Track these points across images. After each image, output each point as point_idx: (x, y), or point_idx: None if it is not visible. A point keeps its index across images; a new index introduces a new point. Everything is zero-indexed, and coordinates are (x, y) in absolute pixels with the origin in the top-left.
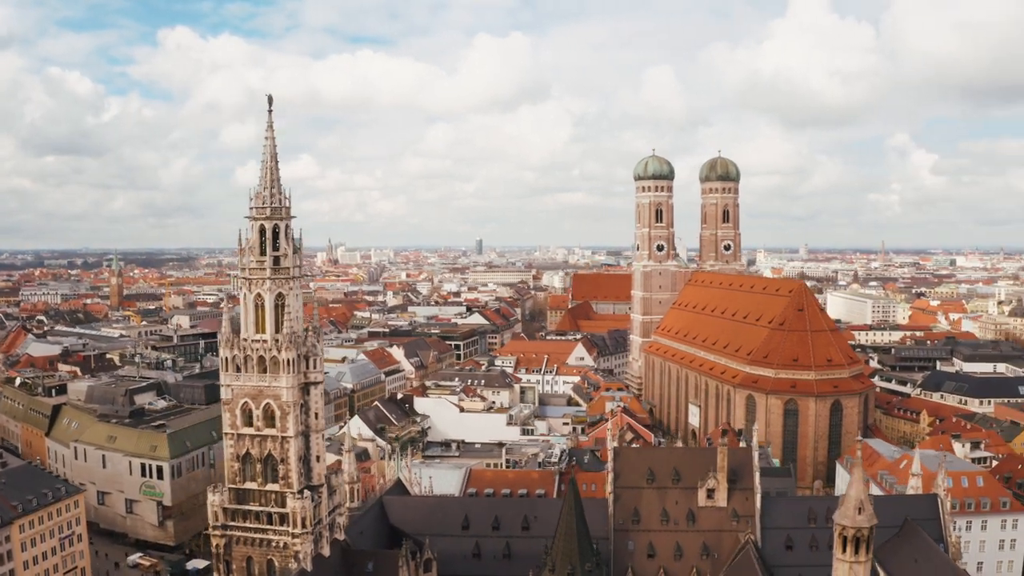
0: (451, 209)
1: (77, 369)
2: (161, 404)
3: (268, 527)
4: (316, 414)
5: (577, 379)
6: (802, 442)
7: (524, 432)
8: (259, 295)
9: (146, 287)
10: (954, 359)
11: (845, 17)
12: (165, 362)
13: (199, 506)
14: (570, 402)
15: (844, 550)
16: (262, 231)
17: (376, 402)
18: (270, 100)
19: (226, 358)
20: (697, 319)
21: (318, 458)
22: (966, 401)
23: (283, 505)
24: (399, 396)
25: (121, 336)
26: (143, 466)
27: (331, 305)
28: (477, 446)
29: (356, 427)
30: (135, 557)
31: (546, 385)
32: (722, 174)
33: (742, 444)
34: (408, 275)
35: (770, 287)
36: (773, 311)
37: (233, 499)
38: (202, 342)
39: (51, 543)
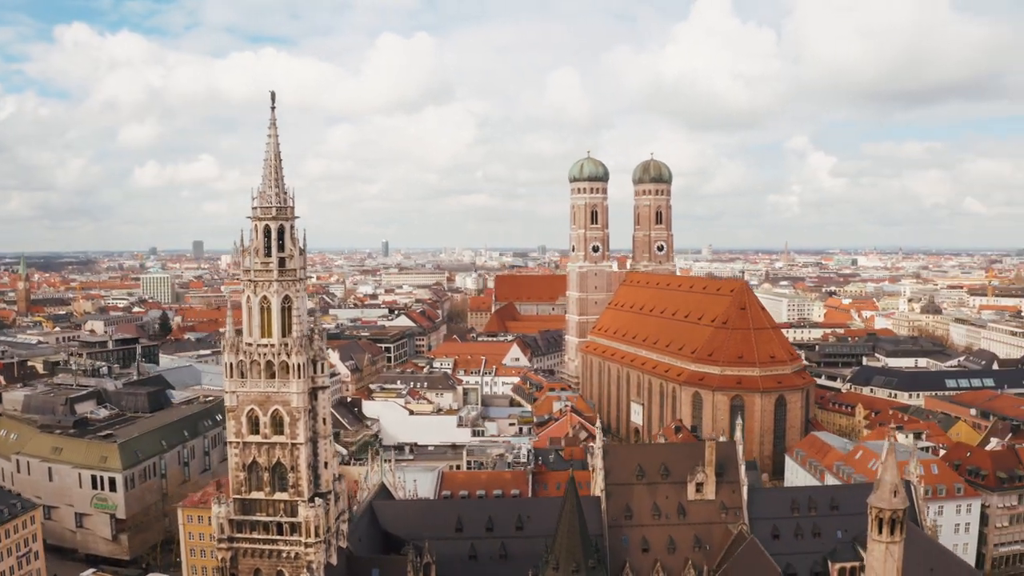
0: (354, 211)
1: (0, 378)
2: (103, 413)
3: (278, 537)
4: (324, 419)
5: (516, 380)
6: (748, 437)
7: (475, 434)
8: (265, 298)
9: (52, 292)
10: (876, 355)
11: (747, 22)
12: (101, 369)
13: (154, 518)
14: (512, 403)
15: (880, 531)
16: (267, 232)
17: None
18: (273, 96)
19: (230, 364)
20: (635, 319)
21: (326, 464)
22: (895, 395)
23: (293, 514)
24: (348, 400)
25: (40, 343)
26: (94, 478)
27: None
28: (430, 448)
29: None
30: (88, 573)
31: (485, 386)
32: (655, 176)
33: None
34: (318, 277)
35: (710, 287)
36: (716, 310)
37: (239, 510)
38: (138, 347)
39: (8, 562)
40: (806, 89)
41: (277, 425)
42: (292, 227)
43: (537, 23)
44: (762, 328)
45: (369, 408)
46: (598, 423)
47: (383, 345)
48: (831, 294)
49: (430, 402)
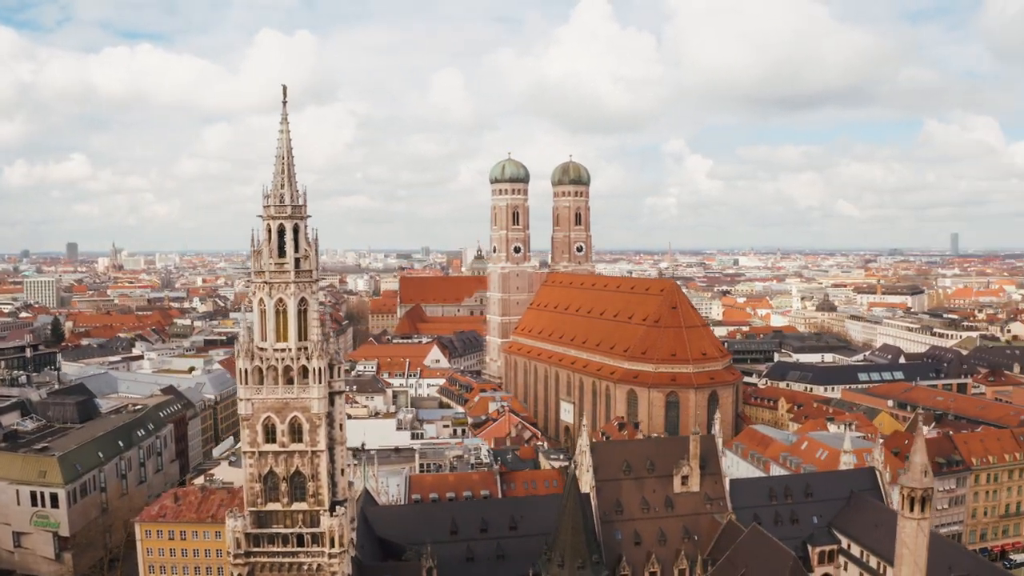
0: (230, 212)
1: None
2: (31, 424)
3: (299, 549)
4: (341, 425)
5: (442, 381)
6: (683, 432)
7: (414, 436)
8: (281, 300)
9: None
10: (783, 351)
11: (627, 27)
12: (20, 378)
13: (98, 534)
14: (441, 404)
15: (912, 509)
16: (281, 231)
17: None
18: (284, 91)
19: (244, 370)
20: (560, 319)
21: (343, 472)
22: (811, 388)
23: (314, 524)
24: None
25: None
26: (33, 494)
27: (139, 313)
28: (372, 453)
29: None
30: None
31: (411, 388)
32: (574, 178)
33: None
34: (204, 280)
35: (639, 287)
36: (646, 309)
37: (254, 523)
38: (59, 354)
39: None
40: (687, 93)
41: (295, 433)
42: (305, 226)
43: (420, 24)
44: (693, 326)
45: None
46: (584, 423)
47: None
48: (725, 293)
49: (364, 406)
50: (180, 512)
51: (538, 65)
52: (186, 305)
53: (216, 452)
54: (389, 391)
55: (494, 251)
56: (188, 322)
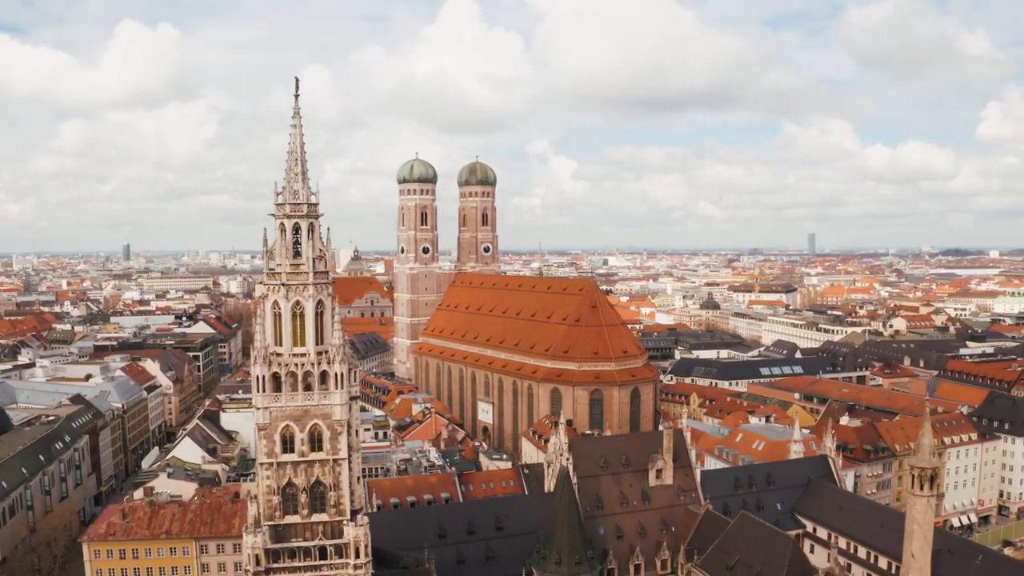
0: (86, 212)
1: None
2: None
3: (322, 563)
4: (357, 431)
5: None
6: (607, 427)
7: None
8: (298, 302)
9: None
10: (681, 348)
11: (494, 27)
12: None
13: (25, 555)
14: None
15: (922, 487)
16: (296, 230)
17: (197, 421)
18: (297, 83)
19: (262, 377)
20: (473, 319)
21: (359, 479)
22: (716, 384)
23: (337, 535)
24: (207, 412)
25: None
26: None
27: (10, 318)
28: None
29: (188, 450)
30: None
31: None
32: (482, 179)
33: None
34: (69, 283)
35: (556, 286)
36: (566, 309)
37: (273, 538)
38: None
39: None
40: (555, 94)
41: (315, 441)
42: (318, 225)
43: (287, 20)
44: (614, 324)
45: (228, 421)
46: (562, 422)
47: (191, 353)
48: (608, 292)
49: None
50: (130, 529)
51: (406, 64)
52: (58, 309)
53: (145, 464)
54: None
55: (402, 252)
56: (68, 327)
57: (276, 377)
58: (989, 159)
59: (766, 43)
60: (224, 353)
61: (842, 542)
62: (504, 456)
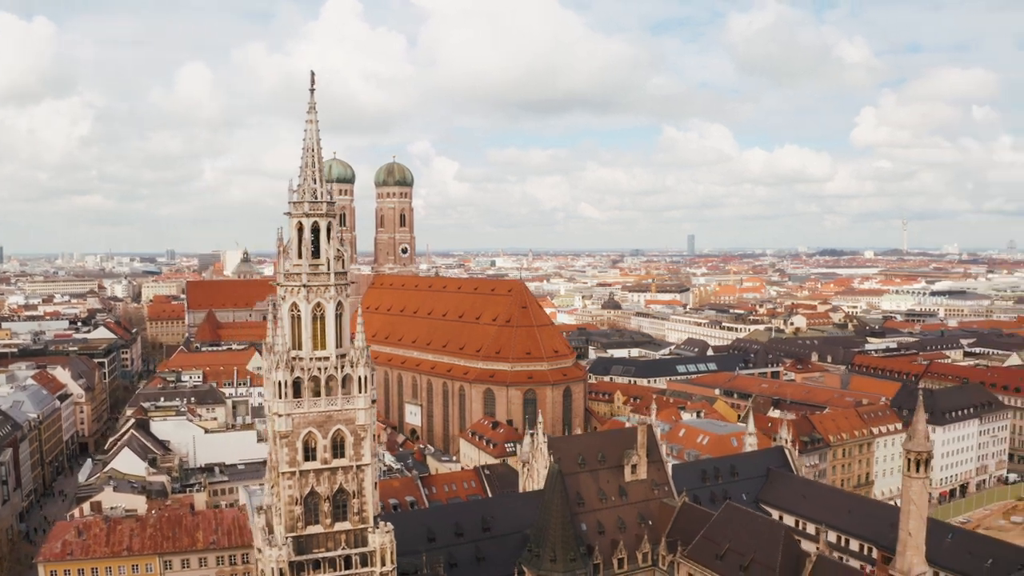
0: None
1: None
2: None
3: (347, 573)
4: (375, 436)
5: None
6: (542, 427)
7: None
8: (319, 304)
9: None
10: (593, 347)
11: (377, 26)
12: None
13: None
14: None
15: (917, 470)
16: (315, 230)
17: (132, 431)
18: (312, 77)
19: (283, 382)
20: (397, 321)
21: (375, 485)
22: (635, 381)
23: (362, 544)
24: (139, 421)
25: None
26: None
27: None
28: (241, 467)
29: (129, 462)
30: None
31: (248, 398)
32: (399, 179)
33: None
34: None
35: (483, 287)
36: (496, 310)
37: (295, 550)
38: None
39: None
40: (439, 95)
41: (337, 447)
42: (335, 224)
43: (167, 16)
44: (544, 325)
45: (159, 429)
46: (540, 424)
47: (96, 360)
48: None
49: (213, 419)
50: (88, 547)
51: (289, 62)
52: None
53: (82, 477)
54: (229, 402)
55: None
56: None
57: (297, 383)
58: (863, 163)
59: (651, 48)
60: (127, 359)
61: (810, 528)
62: (453, 458)
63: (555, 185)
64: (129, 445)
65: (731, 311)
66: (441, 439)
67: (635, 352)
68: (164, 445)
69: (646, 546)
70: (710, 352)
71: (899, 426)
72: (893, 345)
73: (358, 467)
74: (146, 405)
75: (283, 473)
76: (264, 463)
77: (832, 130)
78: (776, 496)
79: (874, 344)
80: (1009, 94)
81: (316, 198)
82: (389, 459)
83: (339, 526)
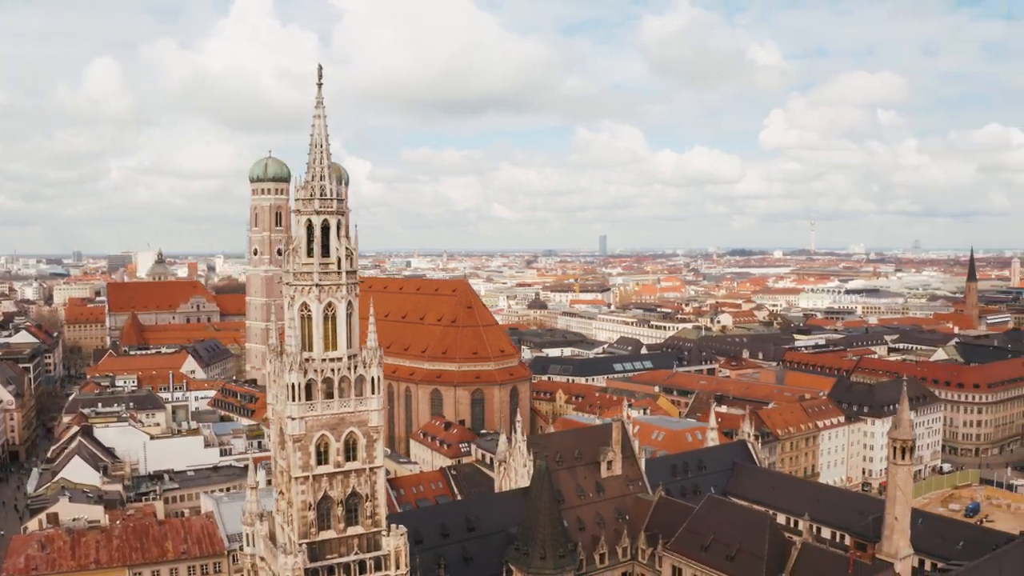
0: None
1: None
2: None
3: None
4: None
5: (213, 393)
6: (489, 427)
7: (223, 453)
8: (331, 304)
9: None
10: (526, 346)
11: (287, 24)
12: None
13: None
14: (222, 418)
15: (903, 457)
16: (325, 228)
17: (79, 438)
18: (320, 71)
19: (296, 384)
20: None
21: (385, 488)
22: (573, 380)
23: (374, 548)
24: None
25: None
26: None
27: None
28: (191, 474)
29: (80, 471)
30: None
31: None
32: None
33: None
34: None
35: (426, 288)
36: (441, 310)
37: (309, 556)
38: None
39: None
40: (351, 94)
41: (350, 450)
42: (344, 222)
43: (72, 11)
44: (489, 325)
45: (101, 436)
46: (519, 423)
47: (22, 365)
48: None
49: (156, 425)
50: (53, 561)
51: (199, 59)
52: None
53: (31, 488)
54: (169, 407)
55: (256, 253)
56: None
57: (309, 385)
58: (771, 164)
59: (565, 50)
60: (50, 364)
61: (781, 518)
62: (413, 460)
63: (468, 185)
64: (79, 453)
65: (658, 310)
66: (388, 441)
67: (568, 351)
68: (111, 452)
69: (625, 540)
70: (644, 351)
71: (841, 419)
72: (821, 342)
73: (371, 469)
74: (86, 411)
75: (296, 478)
76: (215, 469)
77: (742, 132)
78: (743, 488)
79: (803, 341)
80: (914, 98)
81: (325, 195)
82: None
83: (352, 530)
